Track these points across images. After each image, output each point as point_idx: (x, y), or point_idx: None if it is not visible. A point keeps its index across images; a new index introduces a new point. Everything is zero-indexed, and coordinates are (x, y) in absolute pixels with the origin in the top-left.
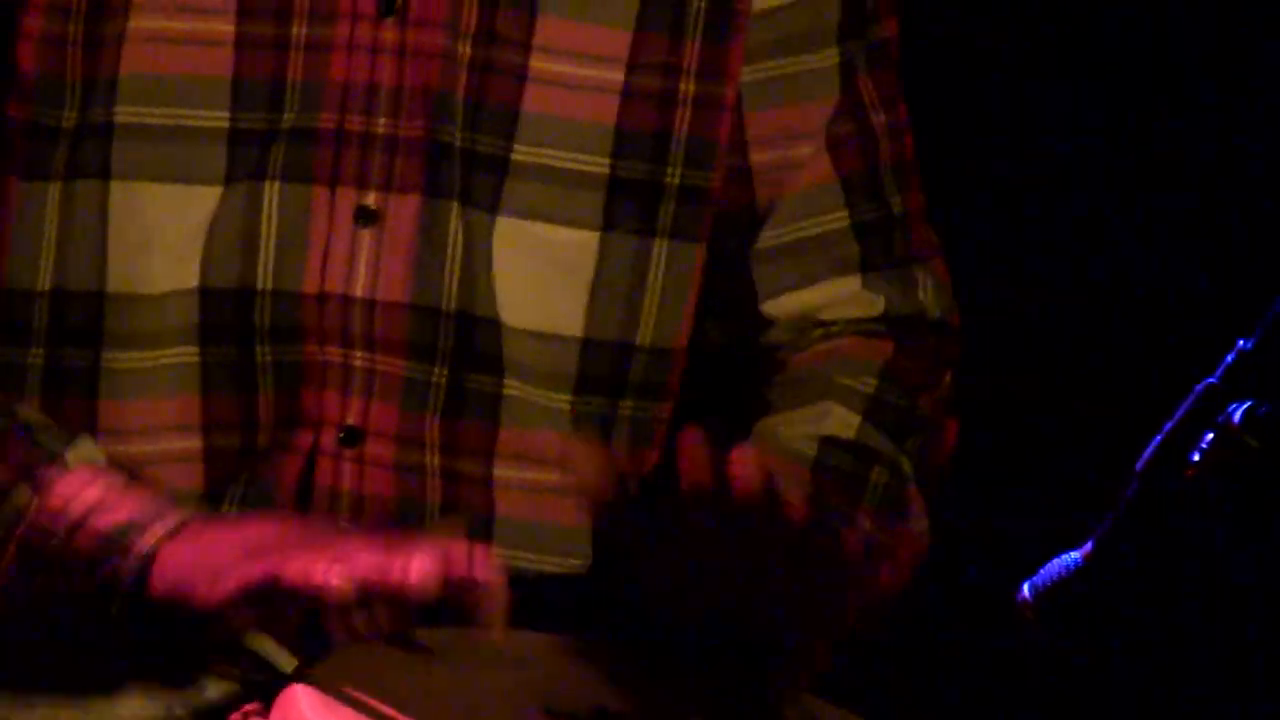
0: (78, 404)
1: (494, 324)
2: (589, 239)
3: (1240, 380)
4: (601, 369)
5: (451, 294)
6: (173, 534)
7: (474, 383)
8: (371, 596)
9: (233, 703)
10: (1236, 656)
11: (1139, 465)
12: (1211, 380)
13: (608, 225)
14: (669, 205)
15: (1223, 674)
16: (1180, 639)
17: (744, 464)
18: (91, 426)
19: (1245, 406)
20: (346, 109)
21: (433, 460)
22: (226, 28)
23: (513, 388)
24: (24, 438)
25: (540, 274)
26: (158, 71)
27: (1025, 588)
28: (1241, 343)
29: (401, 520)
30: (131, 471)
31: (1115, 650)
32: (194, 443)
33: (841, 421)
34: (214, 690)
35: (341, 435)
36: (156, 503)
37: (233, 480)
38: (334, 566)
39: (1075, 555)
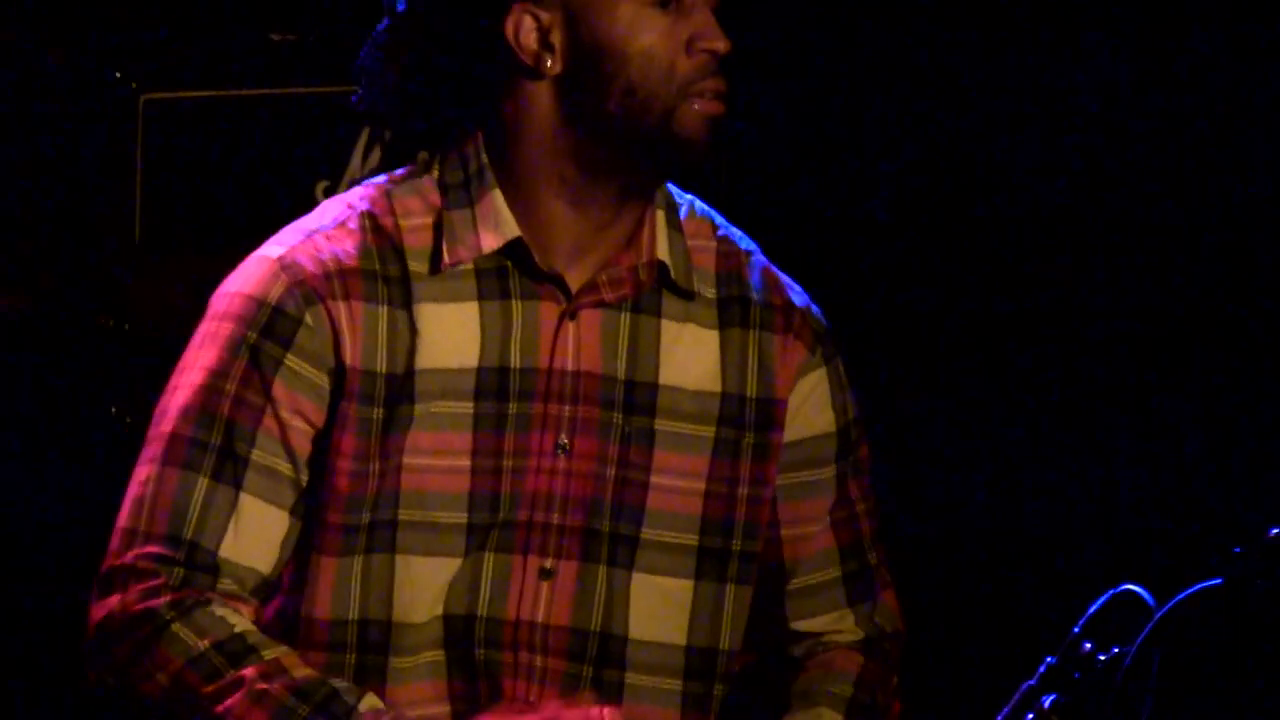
0: (373, 688)
1: (623, 639)
2: (687, 585)
3: (1049, 682)
4: (698, 664)
5: (596, 620)
6: None
7: (609, 675)
8: None
9: None
10: None
11: None
12: (1032, 682)
13: (698, 577)
14: (732, 563)
15: None
16: None
17: None
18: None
19: (1053, 698)
20: (535, 508)
21: None
22: (465, 462)
23: (633, 678)
24: (335, 692)
25: (657, 607)
26: (424, 488)
27: None
28: (1049, 659)
29: None
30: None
31: None
32: (443, 709)
33: None
34: None
35: None
36: None
37: None
38: None
39: None
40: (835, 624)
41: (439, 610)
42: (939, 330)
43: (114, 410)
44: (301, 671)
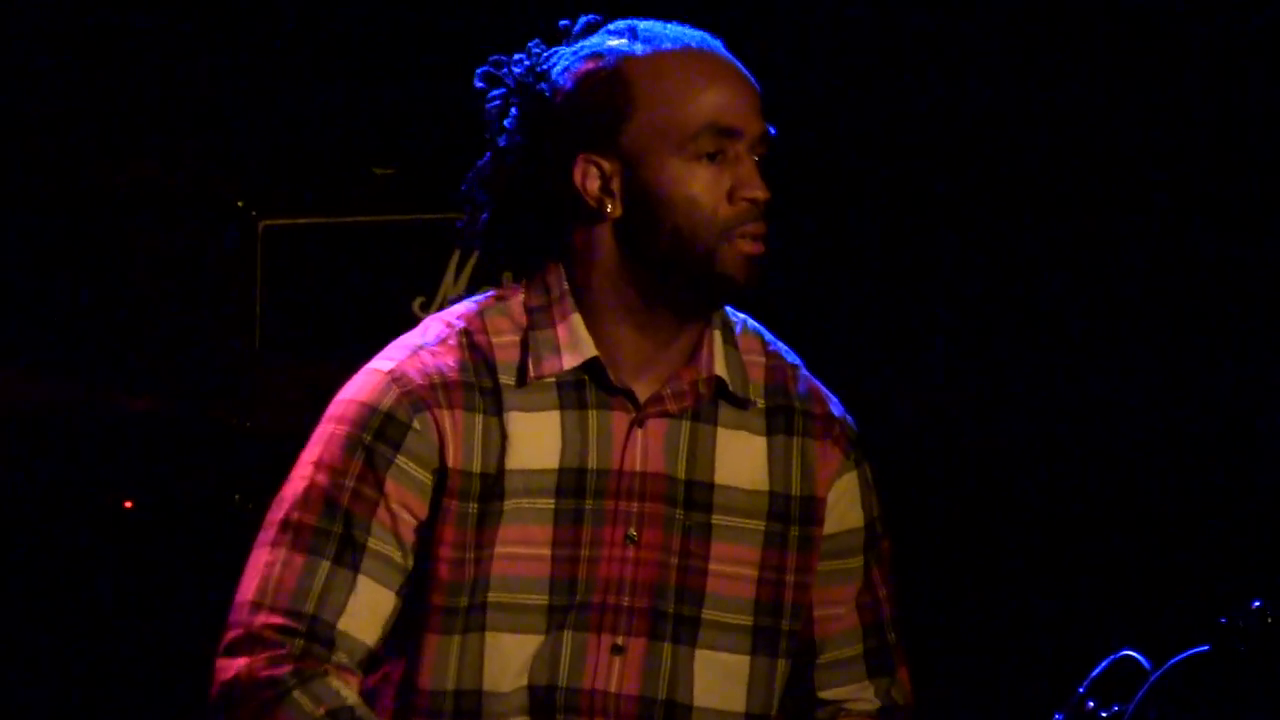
0: None
1: (688, 707)
2: (744, 660)
3: None
4: None
5: (662, 690)
6: None
7: None
8: None
9: None
10: None
11: None
12: None
13: (753, 652)
14: (782, 640)
15: None
16: None
17: None
18: None
19: None
20: (607, 592)
21: None
22: (546, 551)
23: None
24: None
25: (719, 679)
26: (511, 574)
27: None
28: (1058, 715)
29: None
30: None
31: None
32: None
33: None
34: None
35: None
36: None
37: None
38: None
39: None
40: (856, 694)
41: (524, 681)
42: (953, 397)
43: (237, 498)
44: None
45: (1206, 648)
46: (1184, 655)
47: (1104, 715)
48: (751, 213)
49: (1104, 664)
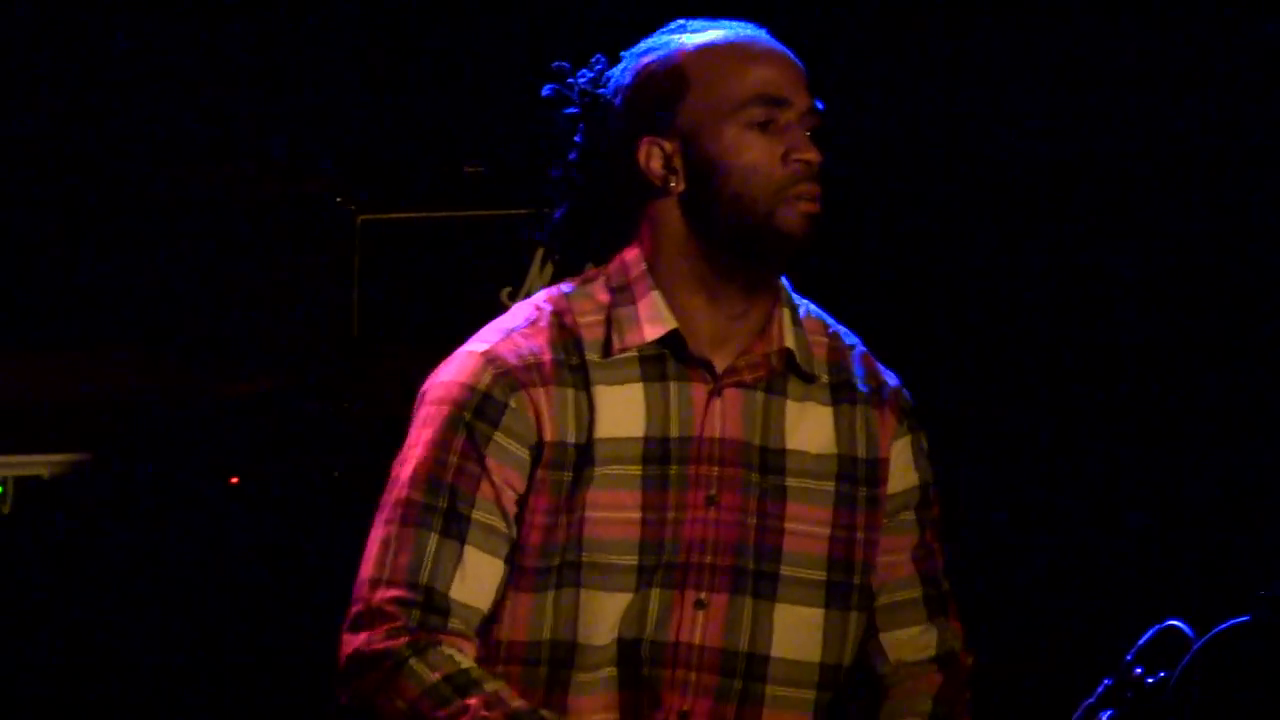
0: (558, 697)
1: (766, 657)
2: (818, 613)
3: (1106, 700)
4: (829, 676)
5: (743, 642)
6: None
7: (753, 688)
8: None
9: None
10: None
11: None
12: (1091, 701)
13: (828, 605)
14: (854, 594)
15: None
16: None
17: None
18: (563, 709)
19: (1109, 713)
20: (690, 551)
21: None
22: (636, 515)
23: (774, 689)
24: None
25: (795, 630)
26: (603, 536)
27: None
28: (1106, 680)
29: None
30: None
31: None
32: (613, 715)
33: None
34: None
35: (678, 717)
36: None
37: None
38: None
39: None
40: (917, 638)
41: (614, 635)
42: (994, 377)
43: (336, 474)
44: (516, 703)
45: (1247, 618)
46: (1225, 625)
47: (1150, 681)
48: (806, 173)
49: (1150, 633)
